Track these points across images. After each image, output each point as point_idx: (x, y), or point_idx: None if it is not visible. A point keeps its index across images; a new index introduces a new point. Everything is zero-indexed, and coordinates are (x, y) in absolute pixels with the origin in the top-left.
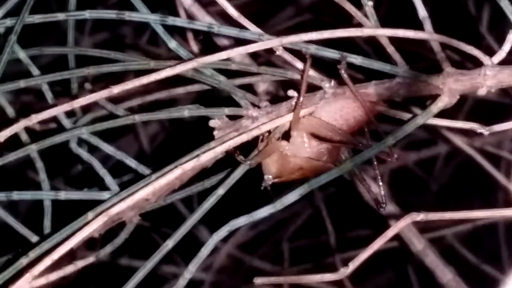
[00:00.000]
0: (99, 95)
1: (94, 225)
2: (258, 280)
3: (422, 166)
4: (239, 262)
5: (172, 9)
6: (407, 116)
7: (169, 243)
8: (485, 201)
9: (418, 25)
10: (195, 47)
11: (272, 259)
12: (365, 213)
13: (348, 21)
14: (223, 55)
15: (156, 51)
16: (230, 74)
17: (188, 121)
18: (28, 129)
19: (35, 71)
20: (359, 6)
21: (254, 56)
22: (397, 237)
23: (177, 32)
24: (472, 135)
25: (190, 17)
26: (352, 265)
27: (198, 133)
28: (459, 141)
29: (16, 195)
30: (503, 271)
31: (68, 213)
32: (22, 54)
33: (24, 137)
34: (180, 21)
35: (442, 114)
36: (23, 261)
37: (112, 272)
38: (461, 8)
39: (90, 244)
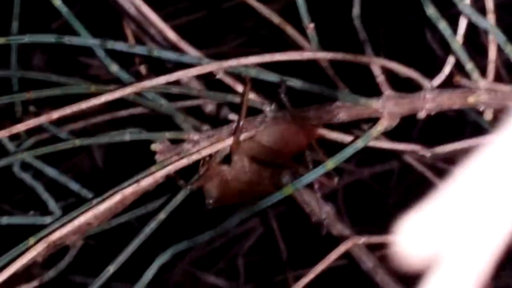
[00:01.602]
0: (38, 121)
1: (34, 251)
2: None
3: (377, 180)
4: (195, 278)
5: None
6: (348, 139)
7: (111, 268)
8: None
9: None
10: (143, 70)
11: (228, 275)
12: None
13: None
14: (162, 79)
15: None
16: (175, 95)
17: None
18: None
19: None
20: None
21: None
22: (347, 256)
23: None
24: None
25: (139, 40)
26: None
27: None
28: (410, 158)
29: None
30: None
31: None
32: None
33: None
34: (120, 46)
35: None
36: None
37: None
38: (414, 30)
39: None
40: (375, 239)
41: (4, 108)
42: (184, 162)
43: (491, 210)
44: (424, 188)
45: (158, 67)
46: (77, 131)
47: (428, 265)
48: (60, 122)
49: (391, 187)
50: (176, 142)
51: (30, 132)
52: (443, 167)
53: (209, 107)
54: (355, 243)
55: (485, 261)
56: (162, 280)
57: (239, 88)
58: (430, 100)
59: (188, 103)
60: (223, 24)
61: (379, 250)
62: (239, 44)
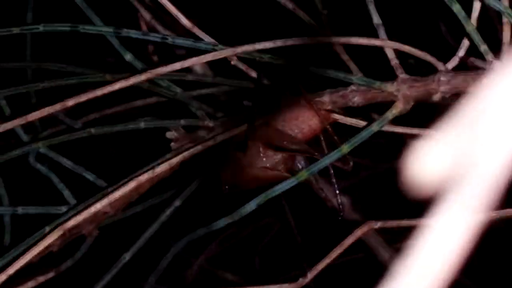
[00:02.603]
0: (53, 108)
1: (50, 239)
2: None
3: (393, 174)
4: (212, 275)
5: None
6: (363, 123)
7: (127, 256)
8: None
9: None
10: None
11: (244, 271)
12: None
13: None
14: (177, 65)
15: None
16: (190, 84)
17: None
18: None
19: None
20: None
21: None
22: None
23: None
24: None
25: (152, 29)
26: (310, 275)
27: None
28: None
29: None
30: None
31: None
32: None
33: None
34: (134, 33)
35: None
36: None
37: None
38: (425, 12)
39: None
40: (391, 223)
41: (19, 101)
42: (199, 148)
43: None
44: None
45: (170, 57)
46: (91, 123)
47: (437, 192)
48: (74, 114)
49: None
50: (190, 130)
51: (45, 125)
52: None
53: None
54: (370, 227)
55: (493, 187)
56: (179, 277)
57: (253, 74)
58: (444, 83)
59: (203, 91)
60: (233, 11)
61: (396, 243)
62: (249, 31)
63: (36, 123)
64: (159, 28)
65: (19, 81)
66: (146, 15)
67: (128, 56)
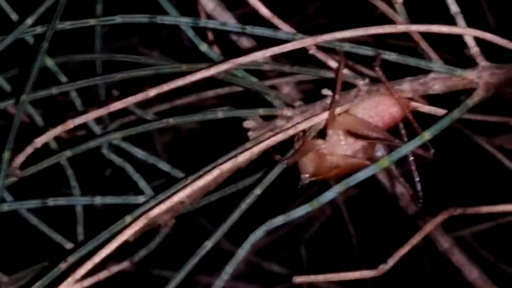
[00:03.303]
0: (136, 98)
1: (133, 228)
2: (297, 279)
3: (437, 165)
4: (257, 267)
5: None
6: (442, 111)
7: (208, 244)
8: (503, 199)
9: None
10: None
11: (290, 264)
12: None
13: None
14: (258, 55)
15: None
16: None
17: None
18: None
19: (63, 78)
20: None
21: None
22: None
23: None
24: (490, 134)
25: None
26: (391, 261)
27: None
28: (479, 139)
29: (51, 202)
30: None
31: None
32: (50, 62)
33: (54, 145)
34: (213, 23)
35: None
36: (62, 266)
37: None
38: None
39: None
40: (471, 210)
41: (86, 94)
42: (280, 137)
43: None
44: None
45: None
46: (161, 114)
47: None
48: (143, 105)
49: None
50: (266, 119)
51: (113, 116)
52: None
53: (285, 90)
54: (451, 214)
55: None
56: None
57: (332, 63)
58: None
59: (276, 81)
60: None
61: (455, 232)
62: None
63: (104, 115)
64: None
65: (84, 74)
66: (209, 5)
67: (204, 47)
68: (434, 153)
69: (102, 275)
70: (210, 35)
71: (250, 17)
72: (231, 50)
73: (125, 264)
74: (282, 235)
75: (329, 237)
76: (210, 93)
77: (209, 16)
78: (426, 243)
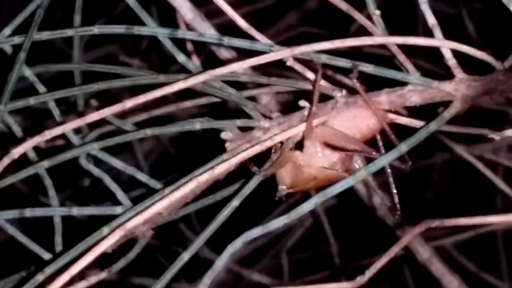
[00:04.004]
0: (112, 110)
1: (111, 240)
2: None
3: (417, 175)
4: (238, 276)
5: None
6: (419, 123)
7: (185, 256)
8: (483, 208)
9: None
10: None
11: (272, 272)
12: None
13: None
14: (234, 67)
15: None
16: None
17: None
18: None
19: (41, 88)
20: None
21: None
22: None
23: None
24: (470, 143)
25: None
26: (369, 273)
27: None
28: (459, 149)
29: (29, 212)
30: (503, 279)
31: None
32: (28, 72)
33: (32, 155)
34: (190, 34)
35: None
36: (39, 277)
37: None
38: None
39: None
40: (449, 222)
41: (64, 103)
42: (257, 148)
43: None
44: (465, 183)
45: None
46: (139, 124)
47: None
48: (121, 115)
49: (431, 182)
50: (244, 130)
51: (92, 125)
52: (491, 158)
53: (264, 100)
54: (428, 226)
55: None
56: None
57: (309, 74)
58: (503, 82)
59: (254, 92)
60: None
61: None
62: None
63: (83, 125)
64: (199, 29)
65: (63, 83)
66: (188, 15)
67: (182, 58)
68: (411, 165)
69: (80, 286)
70: (189, 46)
71: (230, 26)
72: (211, 59)
73: (103, 275)
74: (264, 244)
75: (311, 245)
76: (189, 103)
77: (189, 26)
78: (406, 253)
